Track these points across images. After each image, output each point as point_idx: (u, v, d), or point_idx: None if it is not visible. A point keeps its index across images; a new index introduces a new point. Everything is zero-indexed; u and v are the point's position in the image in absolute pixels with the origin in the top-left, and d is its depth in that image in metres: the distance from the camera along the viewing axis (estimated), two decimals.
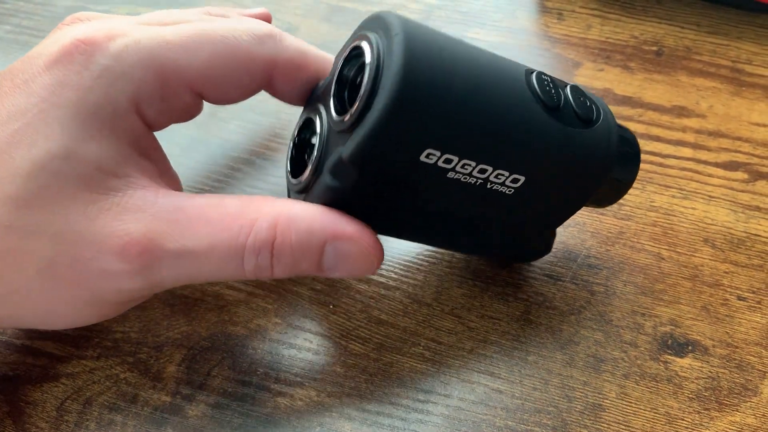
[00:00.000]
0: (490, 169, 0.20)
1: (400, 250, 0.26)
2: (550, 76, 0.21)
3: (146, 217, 0.19)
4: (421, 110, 0.18)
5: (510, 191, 0.21)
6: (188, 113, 0.23)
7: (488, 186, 0.21)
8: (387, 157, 0.19)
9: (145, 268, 0.19)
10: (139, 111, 0.20)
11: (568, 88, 0.22)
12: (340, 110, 0.20)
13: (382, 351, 0.23)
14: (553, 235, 0.25)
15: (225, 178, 0.29)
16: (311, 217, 0.19)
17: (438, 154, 0.19)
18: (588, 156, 0.22)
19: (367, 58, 0.19)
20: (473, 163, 0.20)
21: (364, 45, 0.19)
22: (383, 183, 0.19)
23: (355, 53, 0.20)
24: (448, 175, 0.20)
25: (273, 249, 0.19)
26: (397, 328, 0.24)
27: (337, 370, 0.23)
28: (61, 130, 0.18)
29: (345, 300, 0.25)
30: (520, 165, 0.21)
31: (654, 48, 0.35)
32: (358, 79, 0.20)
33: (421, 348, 0.24)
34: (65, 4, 0.37)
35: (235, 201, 0.20)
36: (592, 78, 0.33)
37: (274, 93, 0.23)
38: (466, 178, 0.20)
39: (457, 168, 0.20)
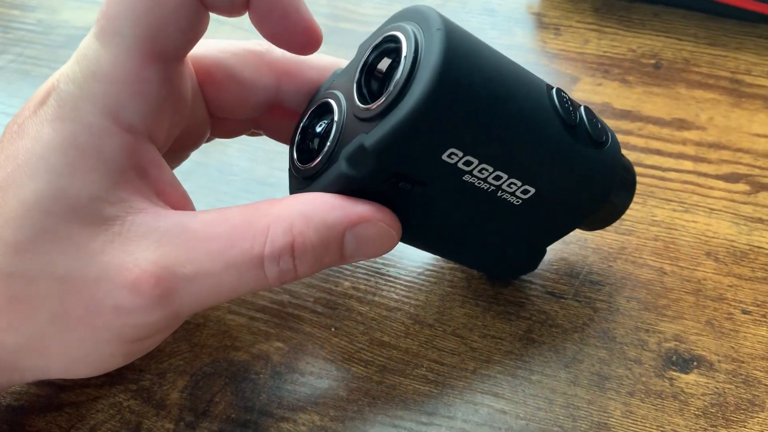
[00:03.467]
0: (505, 176, 0.20)
1: (401, 271, 0.26)
2: (567, 94, 0.22)
3: (153, 244, 0.18)
4: (453, 109, 0.18)
5: (518, 202, 0.21)
6: (201, 126, 0.23)
7: (499, 194, 0.21)
8: (411, 151, 0.19)
9: (162, 299, 0.18)
10: (123, 124, 0.19)
11: (582, 108, 0.22)
12: (367, 98, 0.19)
13: (384, 373, 0.23)
14: (544, 252, 0.25)
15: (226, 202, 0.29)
16: (325, 209, 0.19)
17: (460, 154, 0.19)
18: (595, 177, 0.22)
19: (404, 49, 0.18)
20: (491, 169, 0.20)
21: (401, 35, 0.19)
22: (398, 176, 0.19)
23: (388, 43, 0.20)
24: (464, 178, 0.20)
25: (294, 252, 0.19)
26: (400, 350, 0.24)
27: (339, 394, 0.23)
28: (45, 167, 0.18)
29: (347, 322, 0.25)
30: (534, 177, 0.21)
31: (652, 61, 0.35)
32: (390, 69, 0.20)
33: (424, 369, 0.23)
34: (66, 32, 0.38)
35: (239, 211, 0.19)
36: (590, 92, 0.33)
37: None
38: (480, 183, 0.20)
39: (474, 171, 0.20)
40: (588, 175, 0.22)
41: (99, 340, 0.18)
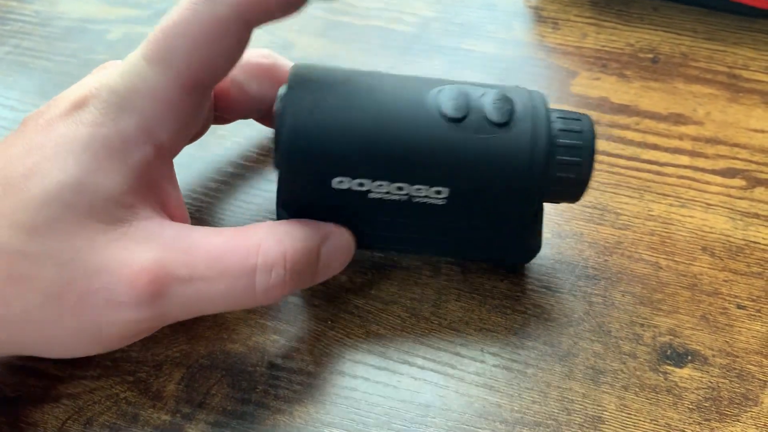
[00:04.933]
0: (406, 185, 0.21)
1: (397, 264, 0.26)
2: (475, 87, 0.22)
3: (155, 247, 0.20)
4: (314, 152, 0.21)
5: (442, 202, 0.22)
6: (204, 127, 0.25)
7: (414, 201, 0.22)
8: (305, 193, 0.22)
9: (153, 297, 0.19)
10: (153, 139, 0.21)
11: (494, 93, 0.22)
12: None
13: (380, 366, 0.23)
14: (539, 234, 0.25)
15: (212, 192, 0.29)
16: (303, 228, 0.21)
17: (348, 179, 0.21)
18: (508, 156, 0.22)
19: (276, 109, 0.22)
20: (387, 183, 0.21)
21: (279, 92, 0.22)
22: (321, 210, 0.22)
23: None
24: (369, 196, 0.22)
25: (286, 263, 0.20)
26: (395, 343, 0.24)
27: (336, 387, 0.23)
28: (73, 162, 0.19)
29: (343, 315, 0.25)
30: (435, 178, 0.21)
31: (650, 55, 0.35)
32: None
33: (419, 363, 0.24)
34: (64, 24, 0.38)
35: (232, 229, 0.21)
36: (588, 87, 0.33)
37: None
38: (389, 195, 0.22)
39: (374, 189, 0.22)
40: (495, 156, 0.21)
41: (83, 330, 0.20)
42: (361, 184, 0.21)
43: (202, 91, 0.21)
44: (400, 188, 0.22)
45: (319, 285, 0.26)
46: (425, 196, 0.22)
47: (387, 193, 0.22)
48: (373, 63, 0.35)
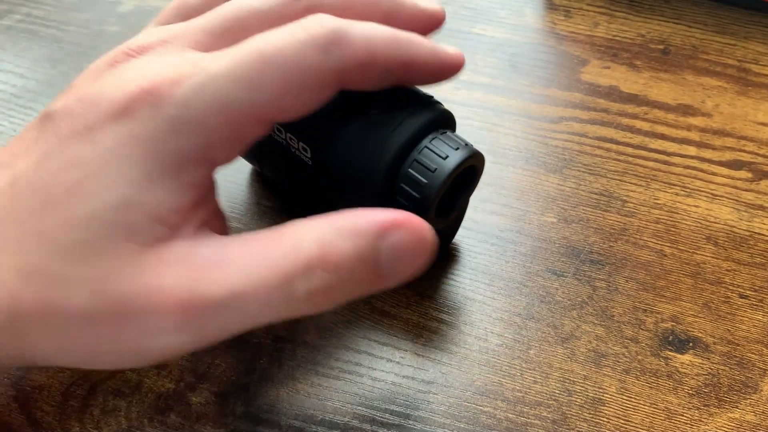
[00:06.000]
0: (284, 130, 0.23)
1: None
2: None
3: (187, 270, 0.18)
4: None
5: (308, 161, 0.23)
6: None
7: (291, 150, 0.23)
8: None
9: (188, 323, 0.18)
10: (209, 159, 0.19)
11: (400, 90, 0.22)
12: None
13: (384, 342, 0.24)
14: (456, 218, 0.25)
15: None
16: (353, 217, 0.18)
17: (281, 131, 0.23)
18: (362, 137, 0.21)
19: None
20: (280, 127, 0.23)
21: None
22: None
23: None
24: (278, 137, 0.23)
25: (327, 265, 0.17)
26: (401, 320, 0.24)
27: (340, 361, 0.23)
28: (122, 180, 0.18)
29: None
30: (300, 131, 0.22)
31: (661, 46, 0.35)
32: None
33: (423, 340, 0.24)
34: None
35: (268, 231, 0.19)
36: (598, 75, 0.33)
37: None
38: (275, 136, 0.23)
39: (276, 134, 0.23)
40: (355, 133, 0.21)
41: (123, 352, 0.19)
42: (279, 130, 0.23)
43: (270, 125, 0.19)
44: (279, 131, 0.23)
45: None
46: (296, 149, 0.22)
47: (275, 132, 0.23)
48: None
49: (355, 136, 0.21)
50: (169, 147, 0.18)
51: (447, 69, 0.21)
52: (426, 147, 0.21)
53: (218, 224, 0.20)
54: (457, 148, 0.21)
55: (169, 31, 0.20)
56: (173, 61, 0.19)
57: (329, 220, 0.18)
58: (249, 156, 0.27)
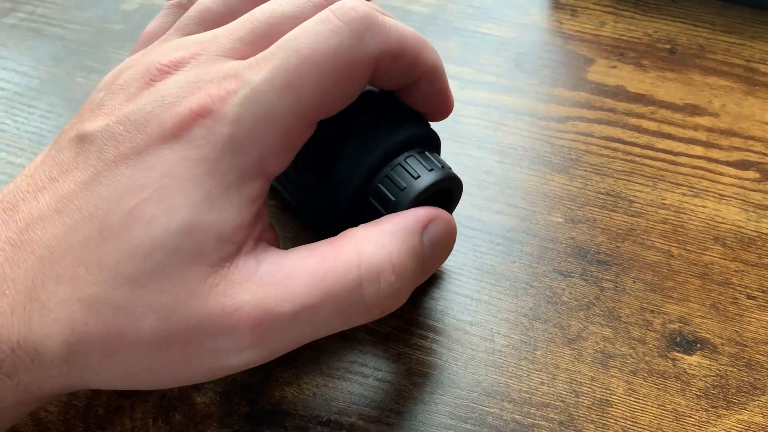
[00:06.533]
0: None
1: None
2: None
3: (252, 287, 0.18)
4: None
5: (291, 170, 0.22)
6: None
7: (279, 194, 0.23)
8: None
9: (260, 340, 0.18)
10: (265, 171, 0.19)
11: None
12: None
13: (389, 342, 0.24)
14: None
15: None
16: (399, 220, 0.19)
17: None
18: (337, 150, 0.21)
19: None
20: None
21: None
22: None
23: None
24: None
25: (394, 268, 0.18)
26: (405, 320, 0.24)
27: (343, 361, 0.23)
28: (184, 203, 0.17)
29: None
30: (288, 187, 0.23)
31: (667, 46, 0.35)
32: None
33: (429, 341, 0.24)
34: None
35: (326, 242, 0.19)
36: (604, 75, 0.33)
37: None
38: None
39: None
40: (334, 144, 0.21)
41: (194, 375, 0.18)
42: None
43: (315, 124, 0.19)
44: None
45: None
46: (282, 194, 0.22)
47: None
48: None
49: (346, 142, 0.21)
50: (227, 166, 0.18)
51: (450, 99, 0.22)
52: (400, 164, 0.20)
53: (272, 235, 0.20)
54: (431, 169, 0.20)
55: (198, 41, 0.20)
56: (213, 76, 0.18)
57: (381, 227, 0.19)
58: None
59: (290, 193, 0.24)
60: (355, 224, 0.20)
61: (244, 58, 0.19)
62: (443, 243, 0.20)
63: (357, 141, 0.21)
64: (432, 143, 0.22)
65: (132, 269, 0.17)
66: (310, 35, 0.18)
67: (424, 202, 0.21)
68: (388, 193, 0.20)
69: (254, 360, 0.18)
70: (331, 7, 0.19)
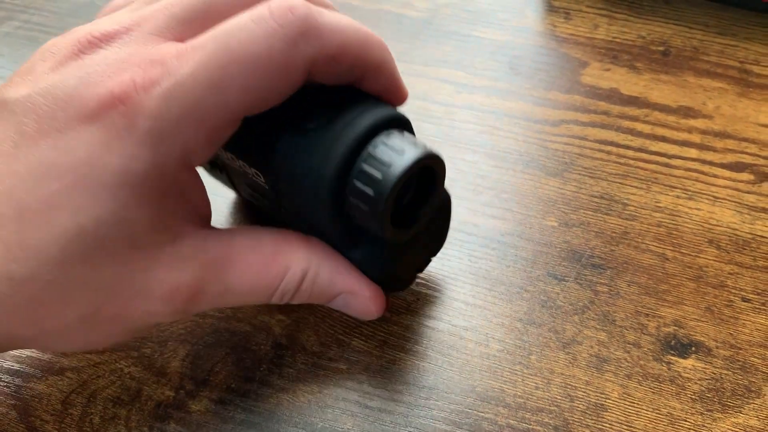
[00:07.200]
0: (241, 162, 0.22)
1: None
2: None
3: (196, 265, 0.19)
4: None
5: (265, 185, 0.22)
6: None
7: (249, 177, 0.22)
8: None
9: (187, 307, 0.20)
10: (187, 164, 0.19)
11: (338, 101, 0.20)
12: None
13: (384, 348, 0.24)
14: (396, 266, 0.23)
15: None
16: (332, 274, 0.22)
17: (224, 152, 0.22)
18: (305, 158, 0.20)
19: None
20: (230, 154, 0.22)
21: None
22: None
23: None
24: (234, 165, 0.23)
25: (296, 293, 0.21)
26: (401, 326, 0.24)
27: (339, 367, 0.23)
28: (110, 198, 0.17)
29: None
30: (251, 159, 0.21)
31: (661, 48, 0.35)
32: None
33: (423, 346, 0.24)
34: (74, 0, 0.37)
35: (271, 241, 0.21)
36: (598, 78, 0.33)
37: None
38: (231, 162, 0.23)
39: (226, 159, 0.23)
40: (297, 153, 0.20)
41: (115, 335, 0.20)
42: (228, 157, 0.22)
43: (241, 120, 0.19)
44: (233, 158, 0.22)
45: None
46: (252, 175, 0.22)
47: (229, 159, 0.22)
48: None
49: (303, 147, 0.20)
50: (147, 161, 0.18)
51: (401, 90, 0.22)
52: (382, 142, 0.19)
53: (207, 211, 0.21)
54: (414, 145, 0.19)
55: (134, 15, 0.20)
56: (141, 59, 0.18)
57: (316, 261, 0.21)
58: (224, 181, 0.25)
59: (270, 203, 0.23)
60: (343, 214, 0.20)
61: (177, 39, 0.19)
62: (354, 309, 0.23)
63: (323, 137, 0.20)
64: (406, 126, 0.21)
65: (59, 252, 0.17)
66: (243, 33, 0.18)
67: (410, 181, 0.20)
68: (374, 171, 0.19)
69: (173, 319, 0.20)
70: (270, 4, 0.18)
